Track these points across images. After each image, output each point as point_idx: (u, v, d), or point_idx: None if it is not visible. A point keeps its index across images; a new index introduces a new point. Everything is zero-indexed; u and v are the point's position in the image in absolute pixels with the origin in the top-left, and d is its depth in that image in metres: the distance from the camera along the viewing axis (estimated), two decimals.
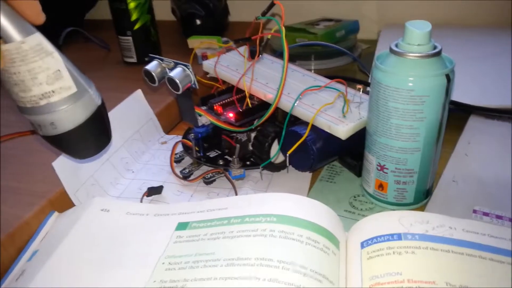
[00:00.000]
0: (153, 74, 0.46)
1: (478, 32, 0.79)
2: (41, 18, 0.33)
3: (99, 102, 0.38)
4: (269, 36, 0.49)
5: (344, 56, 0.79)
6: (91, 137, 0.38)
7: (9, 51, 0.31)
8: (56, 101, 0.34)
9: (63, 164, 0.44)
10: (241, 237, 0.35)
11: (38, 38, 0.33)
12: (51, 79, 0.33)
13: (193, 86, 0.45)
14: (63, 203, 0.44)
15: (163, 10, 0.92)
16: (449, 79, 0.38)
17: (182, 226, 0.39)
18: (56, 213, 0.43)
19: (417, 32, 0.38)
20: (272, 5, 0.49)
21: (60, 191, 0.44)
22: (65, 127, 0.35)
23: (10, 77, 0.33)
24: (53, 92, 0.34)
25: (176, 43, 0.84)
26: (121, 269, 0.35)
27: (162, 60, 0.46)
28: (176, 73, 0.45)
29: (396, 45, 0.40)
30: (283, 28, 0.44)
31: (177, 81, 0.44)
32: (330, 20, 0.84)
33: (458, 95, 0.55)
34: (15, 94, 0.34)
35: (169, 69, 0.46)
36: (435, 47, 0.39)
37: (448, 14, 0.87)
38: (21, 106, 0.35)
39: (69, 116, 0.35)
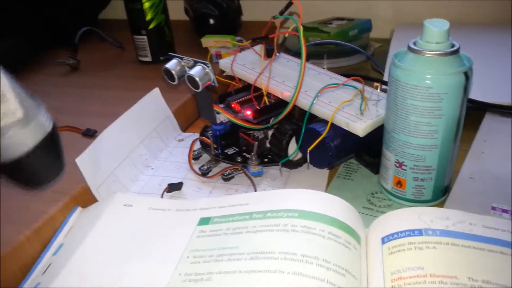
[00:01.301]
0: (173, 72, 0.46)
1: (492, 31, 0.79)
2: None
3: (49, 127, 0.35)
4: (286, 35, 0.50)
5: (356, 54, 0.80)
6: (41, 165, 0.35)
7: None
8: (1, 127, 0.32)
9: (86, 161, 0.45)
10: (264, 231, 0.36)
11: None
12: None
13: (212, 84, 0.46)
14: (86, 199, 0.45)
15: (176, 10, 0.93)
16: (467, 76, 0.39)
17: (204, 221, 0.40)
18: (79, 208, 0.44)
19: (435, 30, 0.39)
20: (290, 4, 0.49)
21: (83, 187, 0.45)
22: (10, 155, 0.33)
23: None
24: None
25: (190, 43, 0.85)
26: (146, 262, 0.36)
27: (181, 58, 0.47)
28: (196, 71, 0.45)
29: (414, 43, 0.40)
30: (301, 27, 0.45)
31: (197, 79, 0.45)
32: (342, 19, 0.85)
33: (473, 93, 0.55)
34: None
35: (188, 67, 0.47)
36: (453, 45, 0.39)
37: (462, 13, 0.87)
38: None
39: (15, 143, 0.33)
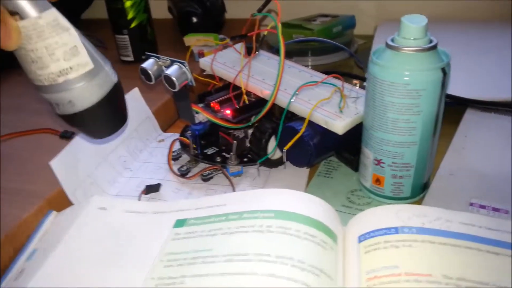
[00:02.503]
0: (150, 72, 0.46)
1: (475, 27, 0.79)
2: None
3: (115, 79, 0.38)
4: (265, 33, 0.49)
5: (340, 51, 0.79)
6: (109, 115, 0.38)
7: (26, 27, 0.31)
8: (74, 77, 0.34)
9: (60, 163, 0.44)
10: (239, 233, 0.36)
11: (54, 14, 0.32)
12: (68, 55, 0.33)
13: (190, 83, 0.45)
14: (61, 202, 0.44)
15: (160, 9, 0.92)
16: (445, 72, 0.39)
17: (180, 223, 0.39)
18: (54, 213, 0.43)
19: (413, 26, 0.38)
20: (268, 1, 0.49)
21: (58, 191, 0.44)
22: (83, 105, 0.35)
23: (27, 55, 0.32)
24: (71, 68, 0.33)
25: (173, 41, 0.84)
26: (120, 267, 0.36)
27: (158, 58, 0.46)
28: (172, 70, 0.45)
29: (392, 40, 0.40)
30: (279, 24, 0.44)
31: (174, 79, 0.44)
32: (326, 16, 0.84)
33: (454, 89, 0.55)
34: (33, 72, 0.33)
35: (165, 66, 0.46)
36: (431, 41, 0.39)
37: (445, 9, 0.87)
38: (39, 85, 0.34)
39: (87, 94, 0.35)
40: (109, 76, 0.37)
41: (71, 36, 0.33)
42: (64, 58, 0.33)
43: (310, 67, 0.68)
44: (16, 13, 0.31)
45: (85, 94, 0.35)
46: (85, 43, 0.34)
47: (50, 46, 0.32)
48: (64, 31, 0.33)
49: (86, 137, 0.41)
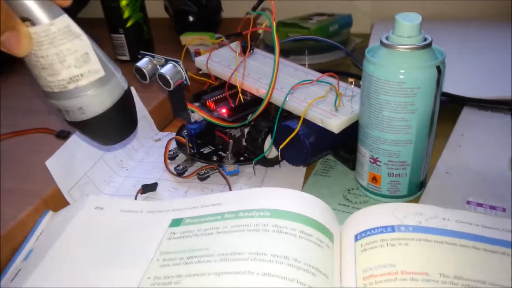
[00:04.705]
0: (144, 71, 0.46)
1: (471, 26, 0.79)
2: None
3: (125, 86, 0.38)
4: (260, 31, 0.49)
5: (337, 50, 0.79)
6: (119, 122, 0.38)
7: (37, 33, 0.31)
8: (84, 84, 0.34)
9: (56, 163, 0.44)
10: (235, 232, 0.36)
11: (66, 20, 0.32)
12: (79, 62, 0.33)
13: (185, 82, 0.45)
14: (58, 202, 0.44)
15: (156, 8, 0.92)
16: (440, 70, 0.39)
17: (176, 222, 0.39)
18: (50, 212, 0.43)
19: (407, 24, 0.38)
20: (262, 0, 0.48)
21: (54, 190, 0.44)
22: (94, 112, 0.35)
23: (38, 61, 0.32)
24: (82, 75, 0.33)
25: (169, 40, 0.84)
26: (116, 266, 0.35)
27: (153, 56, 0.46)
28: (167, 69, 0.44)
29: (387, 38, 0.40)
30: (274, 23, 0.44)
31: (168, 78, 0.44)
32: (322, 14, 0.84)
33: (451, 87, 0.55)
34: (43, 79, 0.33)
35: (160, 65, 0.46)
36: (425, 39, 0.39)
37: (442, 8, 0.87)
38: (48, 91, 0.34)
39: (98, 100, 0.35)
40: (119, 83, 0.36)
41: (82, 42, 0.33)
42: (75, 65, 0.33)
43: (307, 66, 0.68)
44: (28, 19, 0.31)
45: (95, 101, 0.35)
46: (96, 50, 0.34)
47: (62, 52, 0.32)
48: (75, 37, 0.33)
49: (95, 143, 0.40)
